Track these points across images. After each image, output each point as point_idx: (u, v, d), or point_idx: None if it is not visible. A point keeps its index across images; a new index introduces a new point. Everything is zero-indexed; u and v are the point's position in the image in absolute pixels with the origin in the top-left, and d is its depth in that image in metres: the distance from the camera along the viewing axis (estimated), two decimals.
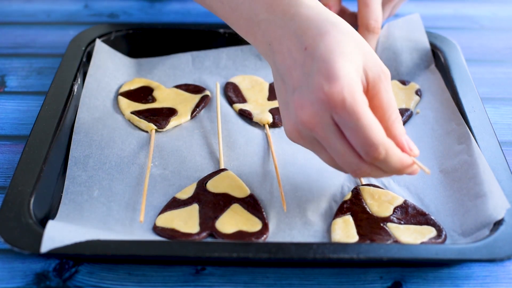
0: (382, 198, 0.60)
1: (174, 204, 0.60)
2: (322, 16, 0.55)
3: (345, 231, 0.57)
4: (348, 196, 0.60)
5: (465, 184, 0.60)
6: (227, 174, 0.63)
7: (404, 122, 0.70)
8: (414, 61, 0.77)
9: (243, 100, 0.73)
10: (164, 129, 0.69)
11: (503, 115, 0.74)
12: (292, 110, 0.54)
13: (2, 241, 0.53)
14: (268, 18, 0.57)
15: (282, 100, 0.56)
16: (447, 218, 0.59)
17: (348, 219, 0.58)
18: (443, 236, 0.57)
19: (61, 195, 0.60)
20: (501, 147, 0.63)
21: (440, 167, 0.64)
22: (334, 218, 0.58)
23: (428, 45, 0.77)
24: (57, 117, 0.65)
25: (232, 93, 0.74)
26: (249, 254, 0.52)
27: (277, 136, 0.68)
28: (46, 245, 0.51)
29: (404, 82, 0.75)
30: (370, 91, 0.54)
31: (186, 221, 0.58)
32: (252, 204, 0.60)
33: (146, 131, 0.68)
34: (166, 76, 0.77)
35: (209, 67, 0.78)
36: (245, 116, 0.71)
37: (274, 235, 0.57)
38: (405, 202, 0.60)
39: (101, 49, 0.76)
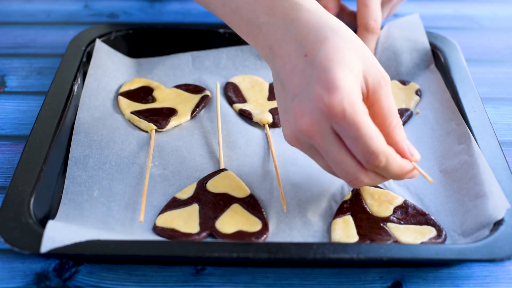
0: (382, 198, 0.60)
1: (174, 204, 0.60)
2: (322, 21, 0.55)
3: (345, 231, 0.57)
4: (348, 196, 0.60)
5: (465, 184, 0.60)
6: (227, 174, 0.63)
7: (404, 122, 0.70)
8: (414, 61, 0.77)
9: (243, 100, 0.73)
10: (164, 129, 0.69)
11: (503, 115, 0.74)
12: (291, 117, 0.54)
13: (2, 241, 0.53)
14: (268, 21, 0.57)
15: (282, 105, 0.56)
16: (447, 218, 0.59)
17: (348, 219, 0.58)
18: (443, 236, 0.57)
19: (61, 195, 0.60)
20: (501, 147, 0.63)
21: (440, 167, 0.64)
22: (334, 218, 0.58)
23: (428, 45, 0.77)
24: (57, 117, 0.65)
25: (232, 93, 0.74)
26: (249, 254, 0.52)
27: (277, 136, 0.68)
28: (46, 245, 0.51)
29: (404, 82, 0.75)
30: (370, 98, 0.55)
31: (186, 221, 0.58)
32: (252, 204, 0.60)
33: (146, 131, 0.68)
34: (166, 76, 0.77)
35: (209, 67, 0.78)
36: (245, 116, 0.71)
37: (274, 235, 0.57)
38: (405, 202, 0.60)
39: (101, 49, 0.76)
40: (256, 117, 0.70)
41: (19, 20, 0.91)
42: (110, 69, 0.75)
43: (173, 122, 0.69)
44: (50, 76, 0.78)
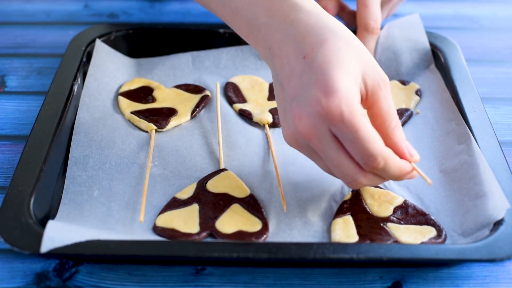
0: (382, 198, 0.60)
1: (174, 204, 0.60)
2: (321, 23, 0.55)
3: (345, 231, 0.57)
4: (348, 196, 0.61)
5: (465, 184, 0.60)
6: (227, 174, 0.63)
7: (404, 122, 0.70)
8: (414, 61, 0.77)
9: (243, 100, 0.73)
10: (164, 129, 0.69)
11: (503, 115, 0.74)
12: (290, 119, 0.54)
13: (2, 241, 0.53)
14: (268, 22, 0.57)
15: (281, 106, 0.57)
16: (447, 218, 0.59)
17: (348, 219, 0.58)
18: (443, 236, 0.57)
19: (61, 195, 0.60)
20: (501, 147, 0.63)
21: (440, 167, 0.64)
22: (334, 218, 0.58)
23: (428, 45, 0.77)
24: (57, 117, 0.65)
25: (232, 93, 0.74)
26: (249, 254, 0.52)
27: (277, 136, 0.68)
28: (46, 245, 0.51)
29: (404, 82, 0.75)
30: (369, 99, 0.55)
31: (186, 221, 0.58)
32: (252, 204, 0.60)
33: (146, 131, 0.68)
34: (166, 76, 0.77)
35: (209, 67, 0.78)
36: (245, 116, 0.71)
37: (274, 235, 0.57)
38: (405, 202, 0.60)
39: (101, 49, 0.76)
40: (256, 117, 0.70)
41: (19, 20, 0.91)
42: (110, 69, 0.75)
43: (173, 122, 0.69)
44: (50, 76, 0.78)
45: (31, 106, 0.74)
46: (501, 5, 0.97)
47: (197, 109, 0.71)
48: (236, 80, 0.76)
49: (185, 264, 0.55)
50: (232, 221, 0.58)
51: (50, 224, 0.53)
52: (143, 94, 0.73)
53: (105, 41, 0.77)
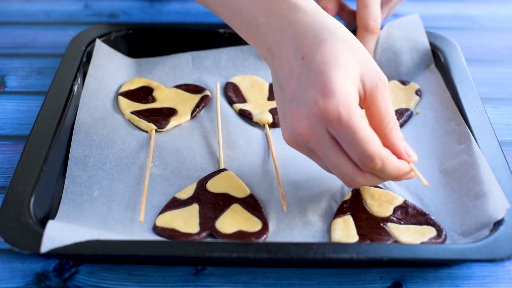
0: (382, 198, 0.60)
1: (174, 204, 0.60)
2: (320, 23, 0.55)
3: (345, 231, 0.57)
4: (348, 196, 0.61)
5: (465, 184, 0.60)
6: (227, 174, 0.63)
7: (404, 122, 0.70)
8: (414, 61, 0.77)
9: (243, 100, 0.73)
10: (164, 129, 0.69)
11: (503, 115, 0.74)
12: (289, 119, 0.55)
13: (2, 241, 0.53)
14: (267, 22, 0.57)
15: (280, 107, 0.57)
16: (447, 218, 0.59)
17: (348, 219, 0.58)
18: (443, 236, 0.57)
19: (61, 195, 0.60)
20: (501, 147, 0.63)
21: (440, 167, 0.64)
22: (334, 218, 0.58)
23: (428, 45, 0.77)
24: (57, 117, 0.65)
25: (232, 93, 0.74)
26: (249, 254, 0.52)
27: (277, 136, 0.68)
28: (46, 245, 0.51)
29: (404, 82, 0.75)
30: (367, 99, 0.55)
31: (186, 221, 0.58)
32: (252, 204, 0.60)
33: (146, 131, 0.68)
34: (166, 76, 0.77)
35: (209, 67, 0.78)
36: (245, 116, 0.71)
37: (274, 235, 0.57)
38: (405, 202, 0.60)
39: (101, 49, 0.76)
40: (256, 117, 0.70)
41: (19, 20, 0.91)
42: (110, 69, 0.75)
43: (173, 122, 0.69)
44: (50, 76, 0.78)
45: (31, 106, 0.74)
46: (501, 5, 0.97)
47: (197, 109, 0.71)
48: (236, 80, 0.76)
49: (185, 264, 0.55)
50: (232, 221, 0.58)
51: (50, 224, 0.53)
52: (143, 94, 0.73)
53: (105, 41, 0.77)
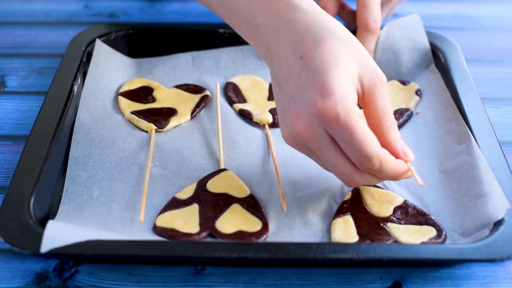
0: (382, 198, 0.60)
1: (174, 204, 0.60)
2: (319, 22, 0.55)
3: (345, 231, 0.57)
4: (348, 196, 0.60)
5: (465, 184, 0.60)
6: (227, 174, 0.63)
7: (404, 122, 0.70)
8: (414, 61, 0.77)
9: (243, 100, 0.73)
10: (164, 129, 0.69)
11: (503, 115, 0.74)
12: (288, 119, 0.55)
13: (2, 241, 0.53)
14: (265, 22, 0.57)
15: (280, 106, 0.57)
16: (447, 218, 0.59)
17: (348, 219, 0.58)
18: (443, 236, 0.57)
19: (61, 195, 0.60)
20: (501, 147, 0.63)
21: (440, 167, 0.64)
22: (334, 218, 0.58)
23: (428, 45, 0.77)
24: (57, 117, 0.65)
25: (232, 93, 0.74)
26: (249, 254, 0.52)
27: (277, 136, 0.68)
28: (46, 245, 0.51)
29: (404, 82, 0.75)
30: (365, 98, 0.55)
31: (186, 221, 0.58)
32: (252, 204, 0.60)
33: (146, 131, 0.68)
34: (166, 76, 0.77)
35: (209, 67, 0.78)
36: (245, 116, 0.71)
37: (274, 235, 0.57)
38: (405, 202, 0.60)
39: (101, 49, 0.76)
40: (256, 117, 0.70)
41: (19, 20, 0.91)
42: (110, 69, 0.75)
43: (173, 122, 0.69)
44: (50, 76, 0.78)
45: (31, 106, 0.74)
46: (501, 5, 0.97)
47: (197, 109, 0.71)
48: (236, 80, 0.76)
49: (185, 264, 0.55)
50: (232, 221, 0.58)
51: (50, 224, 0.53)
52: (143, 94, 0.73)
53: (105, 41, 0.77)
